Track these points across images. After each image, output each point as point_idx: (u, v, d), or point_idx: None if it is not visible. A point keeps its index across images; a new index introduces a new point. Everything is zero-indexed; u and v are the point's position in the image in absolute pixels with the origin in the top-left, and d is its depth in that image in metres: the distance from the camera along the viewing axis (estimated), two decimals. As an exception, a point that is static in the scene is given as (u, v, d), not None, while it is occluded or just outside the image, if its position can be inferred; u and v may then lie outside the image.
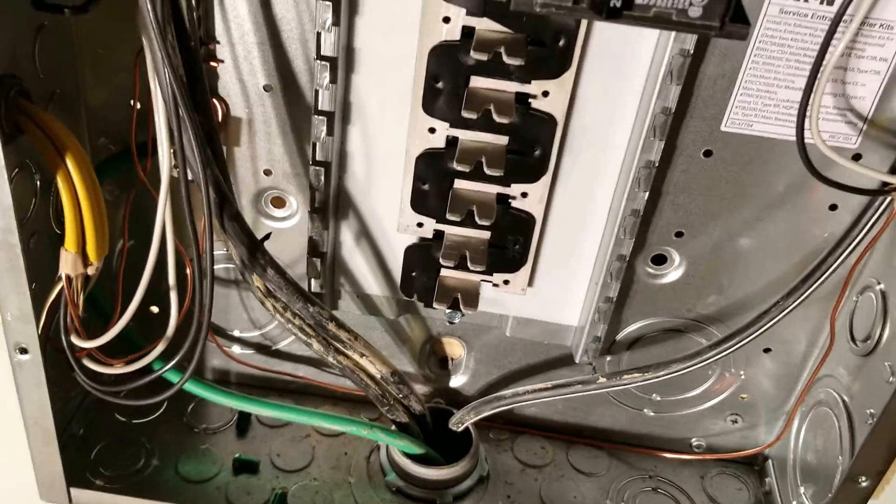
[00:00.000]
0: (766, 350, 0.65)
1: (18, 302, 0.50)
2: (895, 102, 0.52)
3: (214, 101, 0.56)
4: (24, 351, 0.53)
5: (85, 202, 0.48)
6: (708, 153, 0.55)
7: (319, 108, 0.54)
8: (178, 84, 0.44)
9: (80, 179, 0.48)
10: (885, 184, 0.51)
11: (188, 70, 0.47)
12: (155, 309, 0.67)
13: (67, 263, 0.49)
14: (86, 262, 0.49)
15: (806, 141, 0.49)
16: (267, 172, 0.60)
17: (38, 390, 0.54)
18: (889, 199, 0.51)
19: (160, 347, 0.55)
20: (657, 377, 0.58)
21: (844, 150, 0.54)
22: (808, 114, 0.48)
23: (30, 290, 0.51)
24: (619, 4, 0.37)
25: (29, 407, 0.55)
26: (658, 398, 0.69)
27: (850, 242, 0.54)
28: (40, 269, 0.52)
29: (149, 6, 0.42)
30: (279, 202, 0.62)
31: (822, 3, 0.49)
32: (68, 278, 0.49)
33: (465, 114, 0.51)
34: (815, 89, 0.47)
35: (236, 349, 0.72)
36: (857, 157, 0.54)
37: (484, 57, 0.49)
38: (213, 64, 0.55)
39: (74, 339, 0.51)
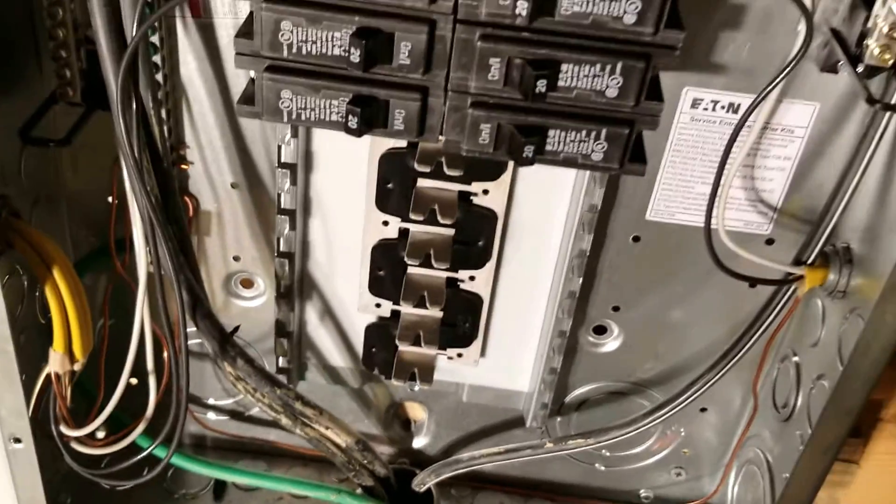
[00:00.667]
0: (703, 409, 0.73)
1: (12, 398, 0.58)
2: (801, 194, 0.60)
3: (186, 198, 0.64)
4: (17, 440, 0.60)
5: (70, 307, 0.55)
6: (636, 239, 0.63)
7: (282, 207, 0.61)
8: (152, 208, 0.51)
9: (65, 287, 0.55)
10: (789, 273, 0.59)
11: (161, 187, 0.55)
12: (134, 381, 0.74)
13: (56, 362, 0.56)
14: (72, 359, 0.57)
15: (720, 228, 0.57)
16: (236, 258, 0.68)
17: (31, 473, 0.61)
18: (794, 287, 0.59)
19: (143, 425, 0.62)
20: (599, 443, 0.66)
21: (758, 237, 0.62)
22: (715, 208, 0.56)
23: (21, 383, 0.58)
24: (530, 154, 0.45)
25: (23, 488, 0.63)
26: (607, 454, 0.77)
27: (764, 320, 0.62)
28: (29, 361, 0.59)
29: (125, 141, 0.50)
30: (248, 283, 0.70)
31: (727, 111, 0.57)
32: (57, 375, 0.56)
33: (412, 215, 0.59)
34: (721, 185, 0.55)
35: (212, 416, 0.79)
36: (769, 242, 0.62)
37: (427, 169, 0.57)
38: (183, 166, 0.63)
39: (63, 429, 0.58)
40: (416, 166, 0.57)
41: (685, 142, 0.58)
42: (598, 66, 0.43)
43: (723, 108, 0.57)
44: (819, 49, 0.54)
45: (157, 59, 0.56)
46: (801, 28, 0.51)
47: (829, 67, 0.54)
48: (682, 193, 0.61)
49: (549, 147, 0.46)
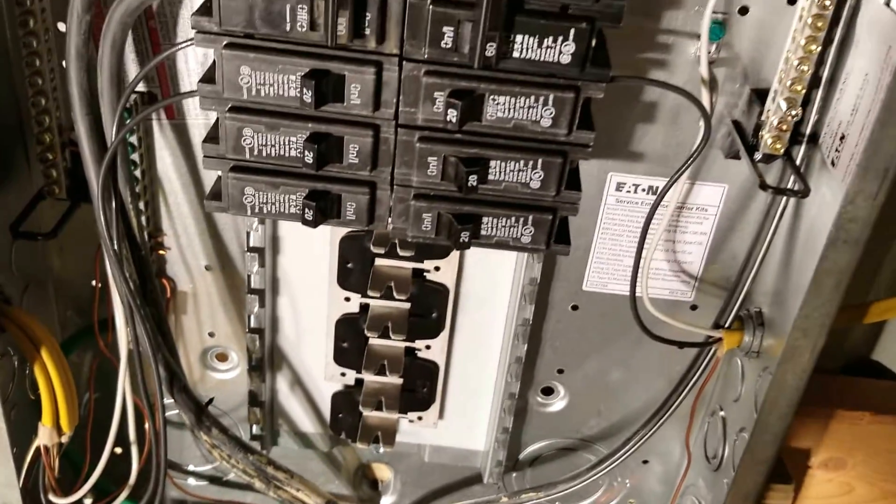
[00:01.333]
0: (645, 462, 0.76)
1: (4, 470, 0.60)
2: (717, 265, 0.64)
3: (164, 280, 0.67)
4: (8, 509, 0.62)
5: (57, 385, 0.58)
6: (575, 307, 0.67)
7: (252, 287, 0.65)
8: (131, 294, 0.55)
9: (52, 366, 0.58)
10: (709, 336, 0.63)
11: (140, 273, 0.58)
12: (118, 450, 0.76)
13: (45, 436, 0.58)
14: (60, 432, 0.59)
15: (644, 297, 0.61)
16: (211, 334, 0.71)
17: (22, 538, 0.63)
18: (714, 349, 0.63)
19: (126, 492, 0.65)
20: (550, 496, 0.69)
21: (682, 303, 0.66)
22: (639, 278, 0.60)
23: (12, 455, 0.60)
24: (466, 240, 0.48)
25: (15, 552, 0.65)
26: (561, 505, 0.80)
27: (690, 379, 0.65)
28: (19, 435, 0.61)
29: (105, 234, 0.53)
30: (223, 357, 0.73)
31: (647, 193, 0.61)
32: (45, 447, 0.59)
33: (371, 292, 0.62)
34: (643, 259, 0.59)
35: (192, 481, 0.81)
36: (694, 308, 0.66)
37: (382, 250, 0.60)
38: (161, 252, 0.66)
39: (52, 497, 0.60)
40: (373, 248, 0.61)
41: (613, 220, 0.62)
42: (522, 162, 0.47)
43: (643, 190, 0.61)
44: (724, 138, 0.58)
45: (135, 156, 0.60)
46: (702, 124, 0.56)
47: (733, 154, 0.58)
48: (612, 266, 0.64)
49: (483, 232, 0.50)
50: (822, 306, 0.53)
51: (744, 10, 0.54)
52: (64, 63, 0.52)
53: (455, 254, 0.63)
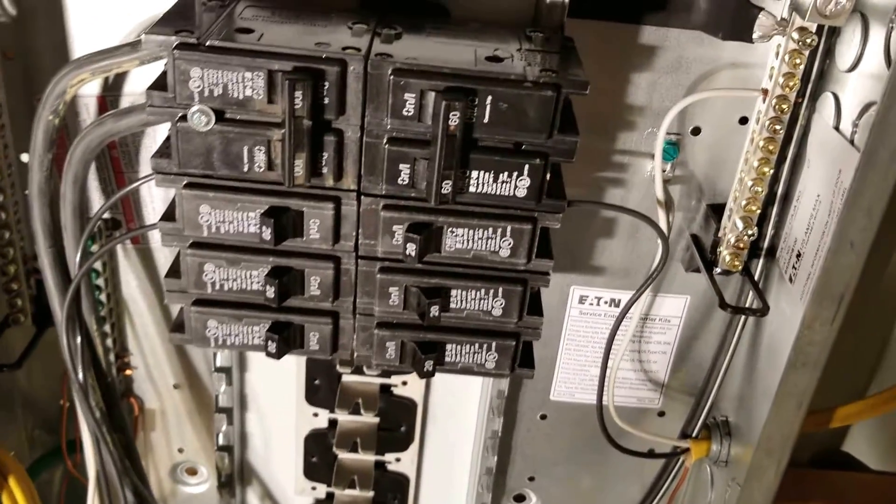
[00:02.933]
0: (620, 566, 0.74)
1: None
2: (683, 373, 0.63)
3: (131, 399, 0.65)
4: None
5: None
6: (543, 417, 0.65)
7: (219, 406, 0.63)
8: (97, 423, 0.53)
9: (20, 494, 0.55)
10: (677, 446, 0.62)
11: (106, 399, 0.56)
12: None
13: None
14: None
15: (611, 406, 0.59)
16: (180, 450, 0.68)
17: None
18: (682, 458, 0.62)
19: None
20: None
21: (650, 410, 0.65)
22: (605, 388, 0.59)
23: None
24: (430, 368, 0.47)
25: None
26: None
27: (660, 488, 0.64)
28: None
29: (70, 366, 0.52)
30: (193, 471, 0.70)
31: (610, 305, 0.61)
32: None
33: (338, 410, 0.61)
34: (609, 369, 0.58)
35: None
36: (661, 414, 0.65)
37: (348, 370, 0.59)
38: (128, 372, 0.64)
39: None
40: (339, 368, 0.59)
41: (577, 332, 0.61)
42: (483, 291, 0.46)
43: (605, 302, 0.60)
44: (683, 251, 0.58)
45: (100, 281, 0.58)
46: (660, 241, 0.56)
47: (693, 268, 0.57)
48: (579, 376, 0.63)
49: (448, 359, 0.48)
50: (783, 426, 0.52)
51: (696, 131, 0.54)
52: (27, 193, 0.51)
53: (422, 368, 0.62)
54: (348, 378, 0.61)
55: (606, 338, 0.60)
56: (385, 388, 0.62)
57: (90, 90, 0.54)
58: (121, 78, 0.54)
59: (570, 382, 0.63)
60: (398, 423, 0.64)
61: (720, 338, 0.61)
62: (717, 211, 0.56)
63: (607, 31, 0.51)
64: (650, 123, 0.54)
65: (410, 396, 0.63)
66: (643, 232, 0.57)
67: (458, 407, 0.65)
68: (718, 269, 0.55)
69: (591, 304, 0.60)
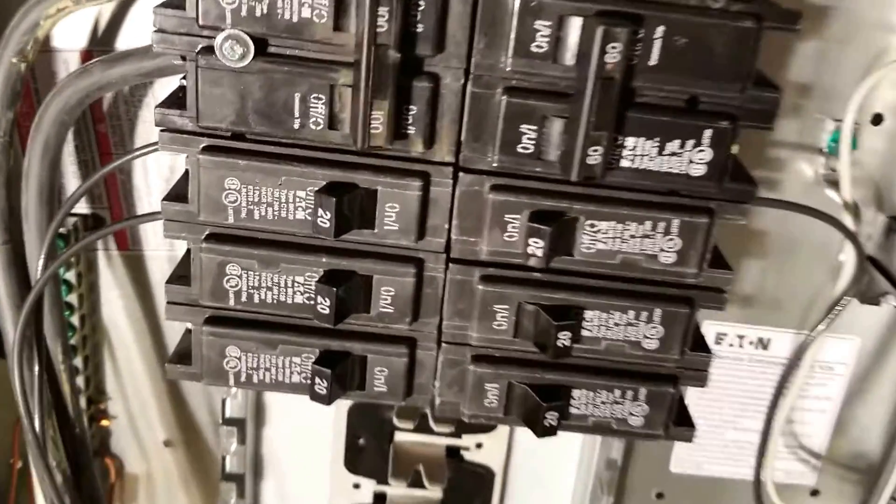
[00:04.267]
0: None
1: None
2: (847, 439, 0.53)
3: (107, 460, 0.55)
4: None
5: None
6: (660, 495, 0.55)
7: (227, 471, 0.52)
8: (57, 493, 0.42)
9: None
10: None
11: (72, 458, 0.46)
12: None
13: None
14: None
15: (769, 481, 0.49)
16: (169, 529, 0.57)
17: None
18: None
19: None
20: None
21: (802, 487, 0.54)
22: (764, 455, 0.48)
23: None
24: (554, 423, 0.36)
25: None
26: None
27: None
28: None
29: (24, 411, 0.40)
30: (184, 559, 0.59)
31: (756, 347, 0.50)
32: None
33: (391, 478, 0.50)
34: (772, 432, 0.48)
35: None
36: (815, 493, 0.55)
37: (409, 425, 0.48)
38: (104, 423, 0.54)
39: None
40: (396, 421, 0.48)
41: (711, 382, 0.50)
42: (633, 314, 0.36)
43: (751, 343, 0.51)
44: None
45: (72, 297, 0.48)
46: (843, 258, 0.46)
47: (871, 300, 0.48)
48: (710, 441, 0.53)
49: (574, 410, 0.37)
50: None
51: (877, 119, 0.46)
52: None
53: (503, 427, 0.51)
54: (404, 437, 0.51)
55: (751, 389, 0.51)
56: (453, 452, 0.52)
57: (72, 41, 0.45)
58: (113, 28, 0.45)
59: (698, 449, 0.53)
60: (469, 500, 0.53)
61: None
62: (904, 225, 0.46)
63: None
64: (817, 107, 0.45)
65: (487, 464, 0.53)
66: (804, 249, 0.48)
67: (548, 480, 0.55)
68: (915, 301, 0.44)
69: (732, 344, 0.51)
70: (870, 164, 0.47)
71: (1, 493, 0.56)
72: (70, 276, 0.47)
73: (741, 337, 0.50)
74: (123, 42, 0.45)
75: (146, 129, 0.47)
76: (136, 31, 0.45)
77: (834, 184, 0.45)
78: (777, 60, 0.45)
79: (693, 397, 0.51)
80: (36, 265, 0.41)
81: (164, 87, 0.45)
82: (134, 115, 0.47)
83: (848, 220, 0.44)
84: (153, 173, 0.47)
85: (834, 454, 0.54)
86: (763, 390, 0.50)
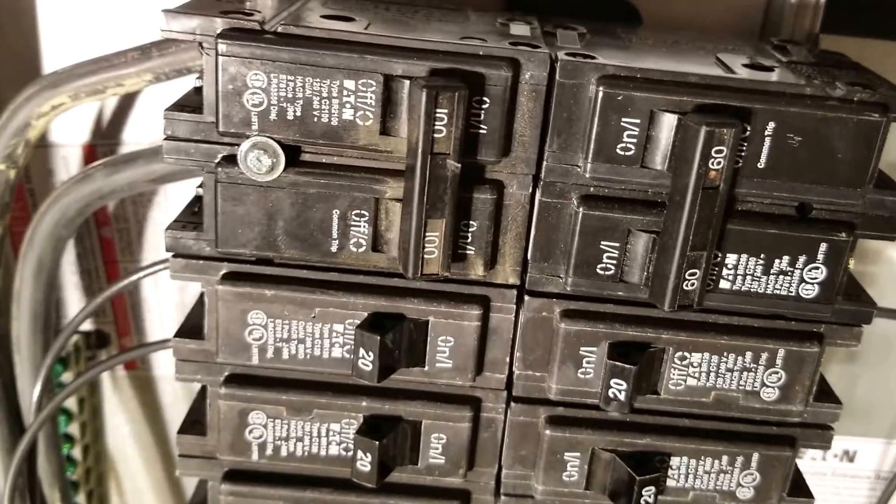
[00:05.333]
0: None
1: None
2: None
3: None
4: None
5: None
6: None
7: None
8: None
9: None
10: None
11: None
12: None
13: None
14: None
15: None
16: None
17: None
18: None
19: None
20: None
21: None
22: None
23: None
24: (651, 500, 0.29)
25: None
26: None
27: None
28: None
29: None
30: None
31: (840, 460, 0.44)
32: None
33: None
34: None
35: None
36: None
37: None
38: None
39: None
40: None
41: (790, 502, 0.44)
42: (726, 459, 0.30)
43: (835, 456, 0.44)
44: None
45: (73, 428, 0.42)
46: None
47: None
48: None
49: (654, 574, 0.31)
50: None
51: None
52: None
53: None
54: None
55: None
56: None
57: (72, 136, 0.39)
58: (120, 118, 0.39)
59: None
60: None
61: None
62: None
63: (865, 49, 0.36)
64: None
65: None
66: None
67: None
68: None
69: (814, 458, 0.44)
70: None
71: None
72: (70, 402, 0.41)
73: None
74: (130, 134, 0.39)
75: (156, 232, 0.41)
76: (146, 123, 0.39)
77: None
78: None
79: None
80: (30, 401, 0.34)
81: (177, 184, 0.40)
82: (143, 217, 0.41)
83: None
84: (164, 285, 0.41)
85: None
86: (848, 509, 0.44)
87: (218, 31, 0.25)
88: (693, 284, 0.26)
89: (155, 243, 0.42)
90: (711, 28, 0.36)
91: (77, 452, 0.42)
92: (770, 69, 0.28)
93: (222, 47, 0.25)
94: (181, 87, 0.31)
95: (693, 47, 0.31)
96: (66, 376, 0.40)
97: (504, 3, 0.35)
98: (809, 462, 0.44)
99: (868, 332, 0.41)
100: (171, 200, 0.40)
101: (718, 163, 0.25)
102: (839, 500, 0.45)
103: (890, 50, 0.38)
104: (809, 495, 0.32)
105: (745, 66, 0.28)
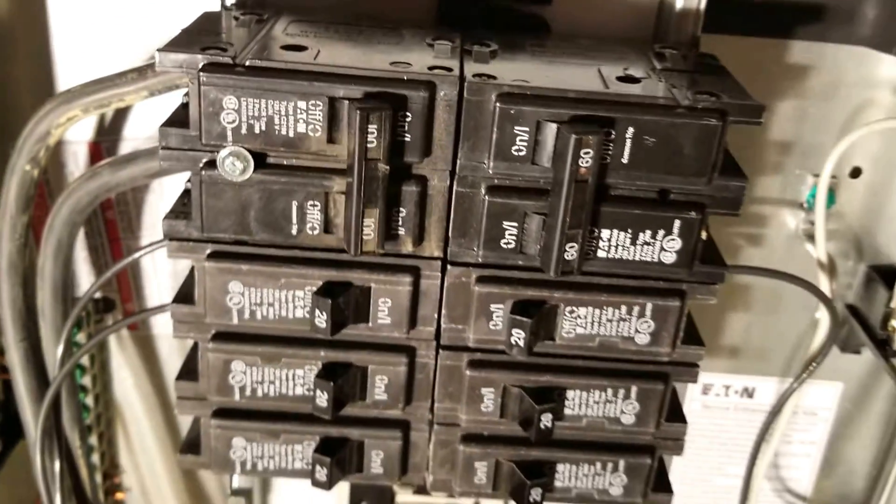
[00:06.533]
0: None
1: None
2: (832, 481, 0.54)
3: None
4: None
5: None
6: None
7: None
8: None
9: None
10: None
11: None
12: None
13: None
14: None
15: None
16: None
17: None
18: None
19: None
20: None
21: (789, 531, 0.55)
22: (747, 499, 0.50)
23: None
24: (539, 498, 0.38)
25: None
26: None
27: None
28: None
29: (45, 497, 0.42)
30: None
31: (742, 396, 0.51)
32: None
33: (393, 542, 0.51)
34: (754, 476, 0.49)
35: None
36: (802, 536, 0.55)
37: (409, 492, 0.49)
38: (118, 496, 0.55)
39: None
40: (397, 490, 0.49)
41: (698, 431, 0.52)
42: (611, 392, 0.38)
43: (736, 392, 0.52)
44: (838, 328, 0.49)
45: (86, 380, 0.49)
46: (819, 315, 0.47)
47: (853, 349, 0.49)
48: (699, 488, 0.54)
49: (558, 483, 0.39)
50: None
51: (855, 173, 0.47)
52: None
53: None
54: (405, 498, 0.51)
55: (738, 437, 0.52)
56: None
57: (79, 134, 0.46)
58: (119, 119, 0.47)
59: (689, 497, 0.54)
60: None
61: (881, 434, 0.53)
62: (882, 274, 0.47)
63: (745, 47, 0.44)
64: (797, 164, 0.47)
65: None
66: (786, 301, 0.50)
67: None
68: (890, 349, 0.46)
69: (718, 394, 0.52)
70: (849, 215, 0.48)
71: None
72: (84, 359, 0.49)
73: (727, 387, 0.52)
74: (129, 131, 0.47)
75: (152, 213, 0.48)
76: (140, 123, 0.46)
77: (813, 238, 0.46)
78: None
79: (682, 448, 0.53)
80: (53, 358, 0.42)
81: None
82: (141, 201, 0.48)
83: (823, 277, 0.46)
84: (160, 257, 0.48)
85: (820, 496, 0.55)
86: (749, 437, 0.51)
87: (199, 66, 0.33)
88: (572, 255, 0.34)
89: (150, 222, 0.49)
90: (612, 35, 0.43)
91: (90, 400, 0.50)
92: (638, 81, 0.35)
93: (203, 78, 0.32)
94: (171, 97, 0.39)
95: (584, 59, 0.38)
96: (80, 337, 0.48)
97: (435, 20, 0.42)
98: (714, 398, 0.52)
99: (760, 287, 0.49)
100: (165, 187, 0.48)
101: (587, 162, 0.32)
102: (741, 430, 0.52)
103: (763, 45, 0.45)
104: (683, 420, 0.40)
105: (619, 78, 0.36)
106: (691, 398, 0.51)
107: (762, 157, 0.46)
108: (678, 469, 0.53)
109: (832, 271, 0.46)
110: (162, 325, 0.50)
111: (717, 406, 0.52)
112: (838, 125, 0.46)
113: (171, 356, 0.51)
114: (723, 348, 0.51)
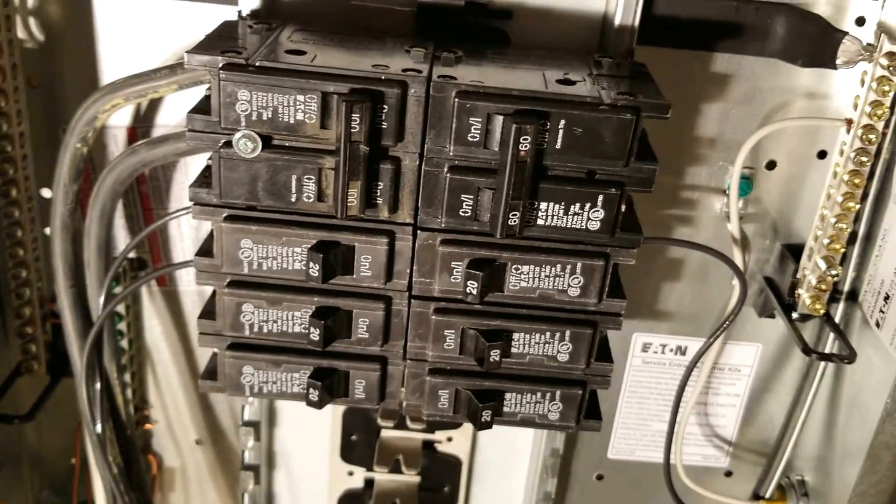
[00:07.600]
0: None
1: None
2: (753, 428, 0.61)
3: (150, 456, 0.63)
4: None
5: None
6: (600, 477, 0.62)
7: (246, 463, 0.60)
8: (115, 480, 0.50)
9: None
10: (748, 508, 0.59)
11: (125, 455, 0.54)
12: None
13: None
14: None
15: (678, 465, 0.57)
16: (200, 513, 0.65)
17: None
18: (754, 522, 0.59)
19: None
20: None
21: (716, 470, 0.62)
22: (673, 445, 0.56)
23: None
24: (488, 419, 0.45)
25: None
26: None
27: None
28: None
29: (88, 417, 0.49)
30: (213, 538, 0.67)
31: (675, 353, 0.58)
32: None
33: (376, 467, 0.58)
34: (677, 424, 0.55)
35: None
36: (728, 474, 0.62)
37: (390, 423, 0.56)
38: (147, 426, 0.62)
39: None
40: (380, 421, 0.56)
41: (639, 383, 0.59)
42: (548, 335, 0.44)
43: (671, 350, 0.58)
44: (756, 296, 0.56)
45: (122, 325, 0.56)
46: (736, 283, 0.53)
47: (767, 314, 0.55)
48: (640, 431, 0.60)
49: (506, 409, 0.46)
50: (879, 483, 0.49)
51: (771, 165, 0.53)
52: (47, 231, 0.50)
53: (469, 424, 0.59)
54: (388, 433, 0.59)
55: (672, 389, 0.58)
56: (428, 445, 0.60)
57: (119, 121, 0.53)
58: (152, 109, 0.53)
59: (631, 439, 0.61)
60: (441, 483, 0.61)
61: (795, 389, 0.58)
62: (793, 251, 0.54)
63: (677, 58, 0.50)
64: (721, 157, 0.53)
65: (455, 454, 0.60)
66: (713, 273, 0.55)
67: (506, 466, 0.62)
68: (797, 314, 0.52)
69: (655, 352, 0.58)
70: (766, 201, 0.53)
71: (64, 488, 0.64)
72: (120, 308, 0.56)
73: (664, 346, 0.58)
74: (161, 118, 0.53)
75: (179, 188, 0.55)
76: (170, 111, 0.52)
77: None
78: (690, 119, 0.52)
79: (625, 396, 0.59)
80: (96, 304, 0.49)
81: (193, 157, 0.54)
82: (169, 178, 0.55)
83: (737, 251, 0.52)
84: (185, 224, 0.55)
85: (743, 441, 0.61)
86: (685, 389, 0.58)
87: (220, 65, 0.40)
88: (515, 221, 0.40)
89: (177, 196, 0.55)
90: (563, 46, 0.49)
91: (125, 343, 0.56)
92: (573, 83, 0.42)
93: (222, 75, 0.39)
94: (195, 91, 0.46)
95: (534, 65, 0.44)
96: (118, 290, 0.55)
97: (415, 31, 0.49)
98: (653, 355, 0.58)
99: (691, 261, 0.56)
100: (189, 166, 0.55)
101: (525, 147, 0.39)
102: (674, 383, 0.58)
103: (691, 56, 0.50)
104: (610, 360, 0.47)
105: (558, 80, 0.42)
106: (633, 355, 0.58)
107: (692, 150, 0.53)
108: (623, 414, 0.60)
109: (745, 246, 0.52)
110: (186, 283, 0.57)
111: (654, 362, 0.58)
112: (755, 125, 0.51)
113: (194, 309, 0.57)
114: (660, 313, 0.57)
